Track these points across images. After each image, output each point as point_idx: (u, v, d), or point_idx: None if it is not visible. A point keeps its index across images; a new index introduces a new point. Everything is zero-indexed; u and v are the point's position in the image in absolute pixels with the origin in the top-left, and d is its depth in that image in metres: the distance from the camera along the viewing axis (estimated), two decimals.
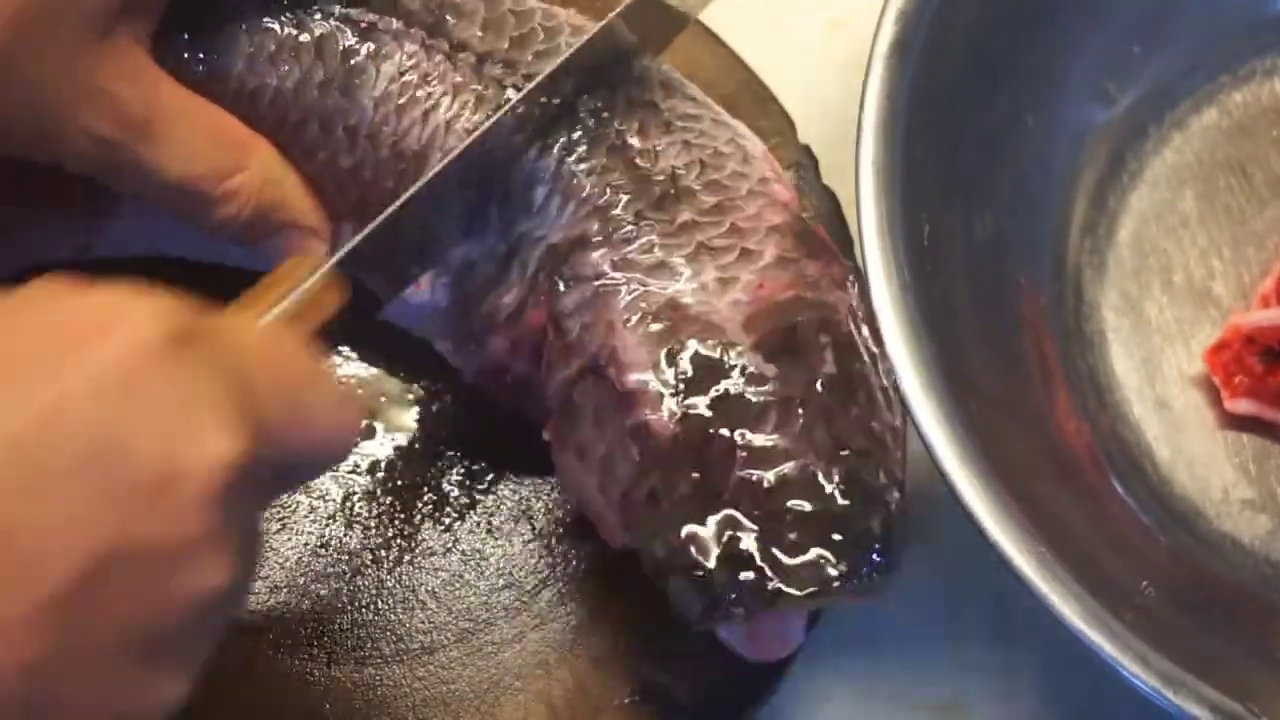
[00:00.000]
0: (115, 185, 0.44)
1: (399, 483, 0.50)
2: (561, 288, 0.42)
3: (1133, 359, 0.51)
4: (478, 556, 0.49)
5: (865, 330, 0.42)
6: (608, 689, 0.47)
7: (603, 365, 0.41)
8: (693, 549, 0.39)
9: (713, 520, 0.39)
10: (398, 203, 0.41)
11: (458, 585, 0.49)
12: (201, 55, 0.44)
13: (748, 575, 0.39)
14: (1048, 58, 0.50)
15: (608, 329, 0.42)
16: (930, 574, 0.50)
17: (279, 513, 0.49)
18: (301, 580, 0.49)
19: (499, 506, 0.49)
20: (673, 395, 0.40)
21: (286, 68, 0.45)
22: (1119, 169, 0.53)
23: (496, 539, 0.49)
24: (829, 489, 0.39)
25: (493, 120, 0.42)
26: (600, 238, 0.43)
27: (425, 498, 0.50)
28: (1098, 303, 0.51)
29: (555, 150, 0.43)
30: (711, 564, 0.39)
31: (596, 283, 0.42)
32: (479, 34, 0.45)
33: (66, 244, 0.48)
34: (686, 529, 0.39)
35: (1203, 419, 0.50)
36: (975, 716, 0.48)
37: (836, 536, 0.39)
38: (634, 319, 0.41)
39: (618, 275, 0.42)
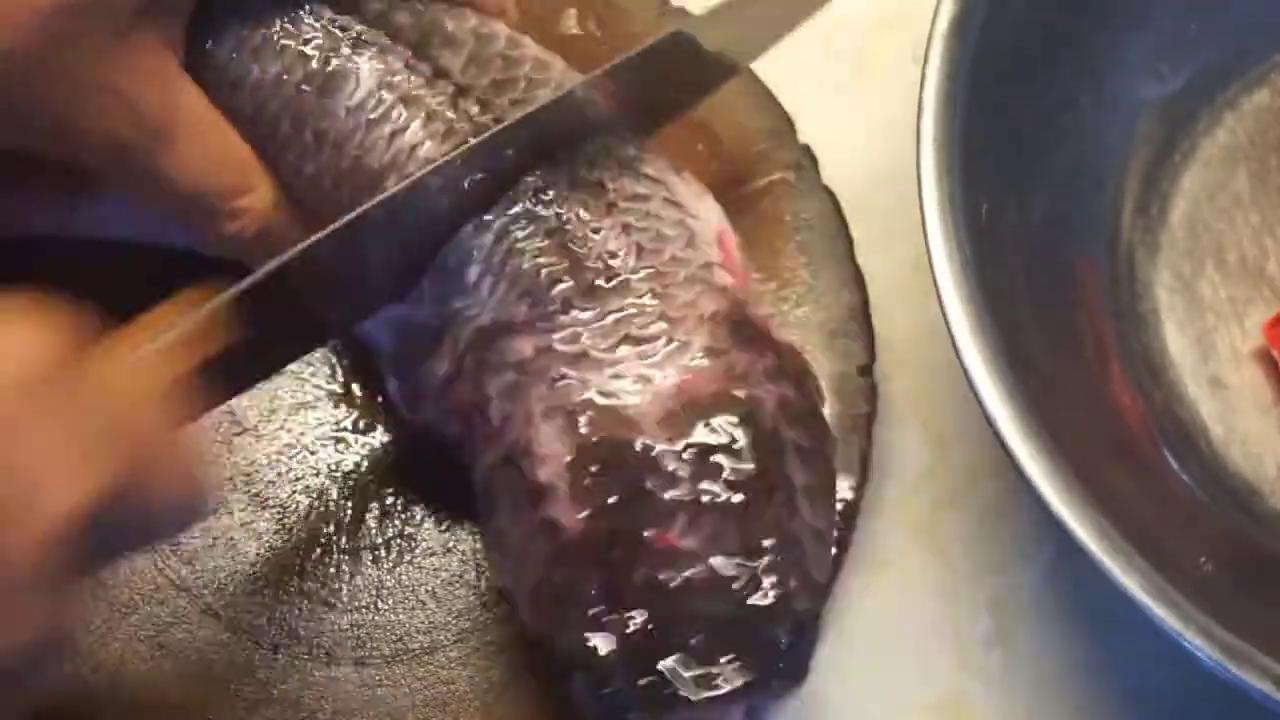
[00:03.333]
0: (126, 187, 0.44)
1: (399, 483, 0.50)
2: (487, 373, 0.42)
3: (1186, 338, 0.51)
4: (478, 556, 0.49)
5: (791, 429, 0.42)
6: None
7: (517, 456, 0.41)
8: (594, 649, 0.39)
9: (615, 621, 0.39)
10: (308, 240, 0.41)
11: (458, 585, 0.49)
12: (194, 39, 0.44)
13: (646, 679, 0.39)
14: (1104, 37, 0.51)
15: (525, 420, 0.41)
16: (930, 574, 0.50)
17: (279, 513, 0.49)
18: (301, 580, 0.49)
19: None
20: (583, 492, 0.40)
21: (268, 61, 0.44)
22: (1171, 149, 0.53)
23: None
24: (735, 594, 0.39)
25: (422, 173, 0.42)
26: (527, 324, 0.42)
27: (425, 498, 0.50)
28: (1151, 282, 0.52)
29: (492, 229, 0.43)
30: (611, 666, 0.39)
31: (519, 372, 0.42)
32: (461, 66, 0.44)
33: (48, 218, 0.48)
34: (588, 629, 0.39)
35: (1257, 398, 0.50)
36: (975, 716, 0.48)
37: (739, 643, 0.39)
38: (551, 412, 0.41)
39: (541, 365, 0.42)
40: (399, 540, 0.49)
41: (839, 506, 0.46)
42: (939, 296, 0.43)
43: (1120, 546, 0.40)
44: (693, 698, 0.38)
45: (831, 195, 0.51)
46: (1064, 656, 0.49)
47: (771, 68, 0.52)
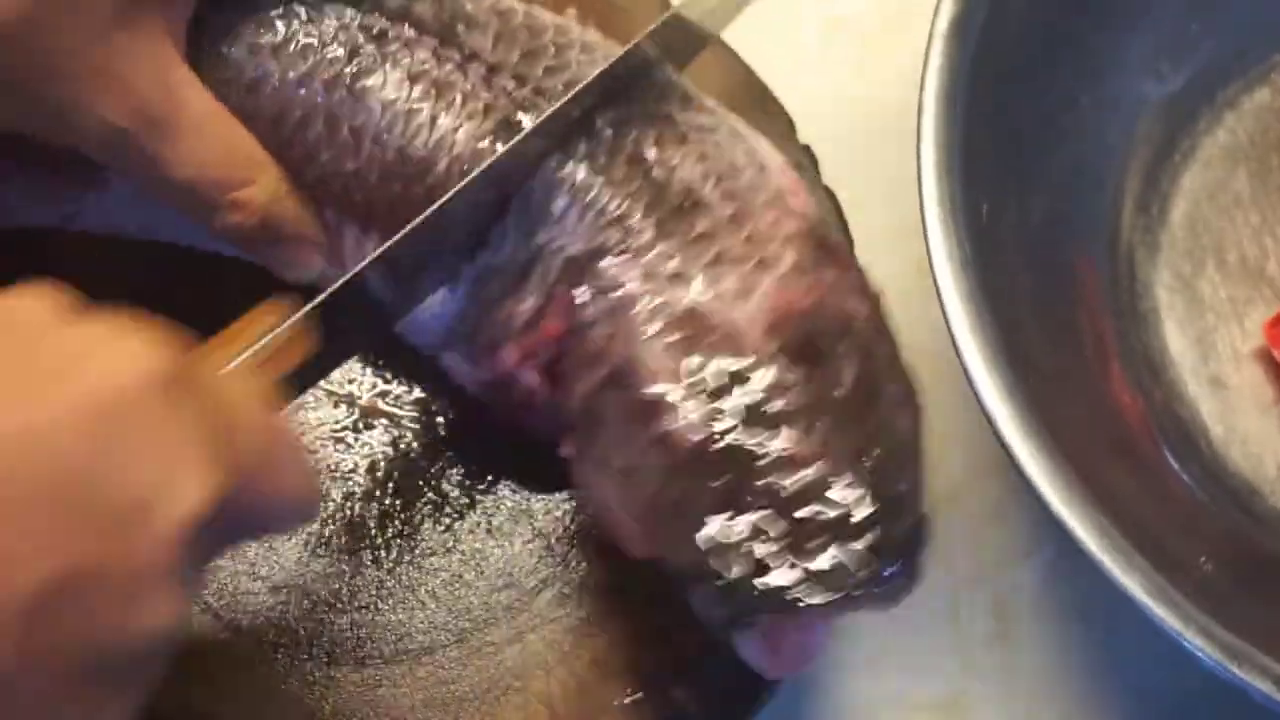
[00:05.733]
0: (127, 176, 0.44)
1: (399, 483, 0.50)
2: (581, 299, 0.43)
3: (1186, 337, 0.51)
4: (478, 556, 0.49)
5: (879, 340, 0.43)
6: (608, 690, 0.47)
7: (624, 376, 0.41)
8: (715, 557, 0.39)
9: (735, 528, 0.39)
10: (401, 232, 0.41)
11: (458, 585, 0.49)
12: (204, 38, 0.44)
13: (769, 582, 0.39)
14: (1104, 36, 0.51)
15: (628, 339, 0.42)
16: (931, 573, 0.49)
17: None
18: (301, 580, 0.49)
19: (499, 506, 0.49)
20: (695, 404, 0.40)
21: (290, 61, 0.44)
22: (1171, 148, 0.53)
23: (496, 539, 0.49)
24: (851, 496, 0.40)
25: (509, 147, 0.43)
26: (619, 249, 0.43)
27: (425, 498, 0.49)
28: (1151, 281, 0.52)
29: (573, 162, 0.43)
30: (734, 572, 0.39)
31: (616, 293, 0.42)
32: (491, 46, 0.45)
33: (51, 210, 0.48)
34: (709, 537, 0.39)
35: (1257, 397, 0.51)
36: (975, 716, 0.48)
37: (857, 544, 0.39)
38: (654, 329, 0.41)
39: (637, 286, 0.42)
40: (399, 540, 0.49)
41: None
42: (939, 296, 0.43)
43: (1120, 546, 0.40)
44: (817, 599, 0.39)
45: (831, 195, 0.51)
46: (1064, 656, 0.49)
47: (772, 68, 0.52)
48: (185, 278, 0.49)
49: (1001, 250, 0.45)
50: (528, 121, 0.43)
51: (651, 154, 0.44)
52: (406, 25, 0.45)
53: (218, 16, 0.44)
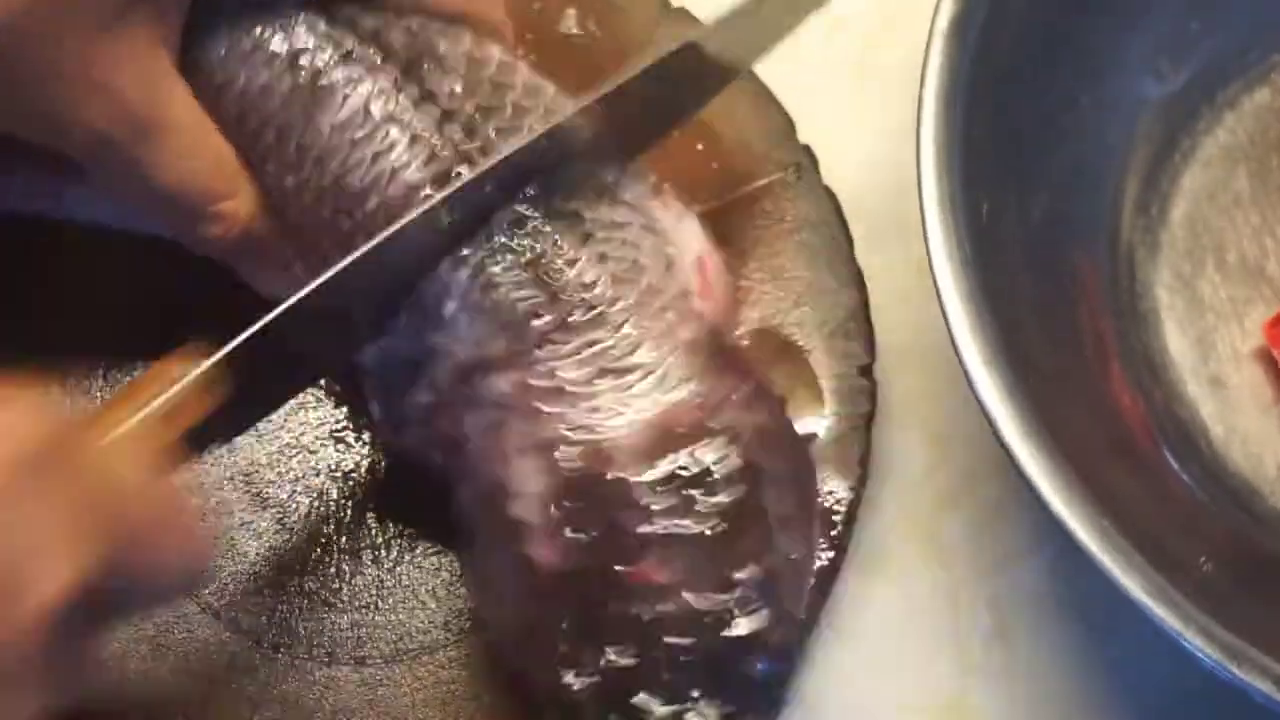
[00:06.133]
0: (111, 181, 0.44)
1: (399, 482, 0.50)
2: (466, 409, 0.43)
3: (1186, 337, 0.51)
4: None
5: (768, 458, 0.42)
6: None
7: (494, 493, 0.42)
8: (568, 686, 0.39)
9: (588, 656, 0.39)
10: (294, 297, 0.41)
11: (458, 585, 0.48)
12: (184, 41, 0.44)
13: (620, 715, 0.39)
14: (1104, 35, 0.51)
15: (500, 458, 0.42)
16: (930, 574, 0.50)
17: (279, 513, 0.49)
18: (301, 580, 0.49)
19: None
20: (558, 528, 0.40)
21: (256, 69, 0.44)
22: (1171, 148, 0.53)
23: None
24: (708, 629, 0.40)
25: (405, 220, 0.42)
26: (504, 361, 0.42)
27: (425, 497, 0.49)
28: (1151, 281, 0.52)
29: (469, 264, 0.43)
30: (585, 702, 0.39)
31: (495, 409, 0.42)
32: (450, 90, 0.44)
33: (36, 197, 0.48)
34: (562, 665, 0.39)
35: (1257, 398, 0.50)
36: (975, 717, 0.48)
37: (712, 677, 0.39)
38: (527, 449, 0.41)
39: (518, 401, 0.42)
40: (399, 540, 0.49)
41: (840, 507, 0.47)
42: (939, 296, 0.43)
43: (1120, 546, 0.40)
44: None
45: (831, 195, 0.51)
46: (1064, 656, 0.49)
47: (772, 68, 0.52)
48: (171, 268, 0.49)
49: (1001, 250, 0.45)
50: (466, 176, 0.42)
51: (548, 258, 0.43)
52: (374, 49, 0.44)
53: (198, 20, 0.44)
